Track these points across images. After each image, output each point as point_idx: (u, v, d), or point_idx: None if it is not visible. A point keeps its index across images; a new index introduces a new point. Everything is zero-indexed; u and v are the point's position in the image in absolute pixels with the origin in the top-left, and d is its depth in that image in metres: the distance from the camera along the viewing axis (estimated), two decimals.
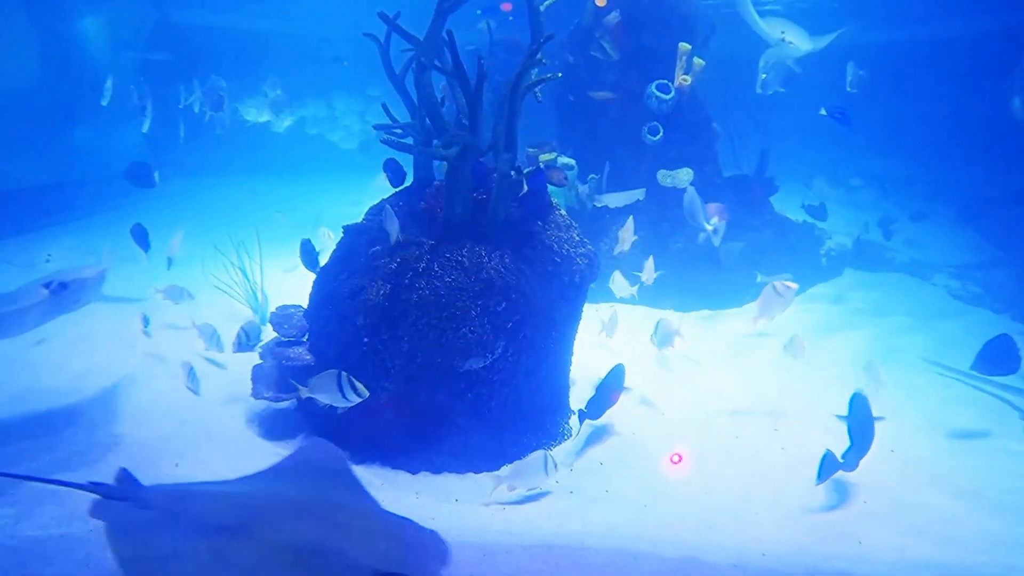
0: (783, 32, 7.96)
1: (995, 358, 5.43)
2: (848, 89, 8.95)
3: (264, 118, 14.74)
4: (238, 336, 5.97)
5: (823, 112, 7.19)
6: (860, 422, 4.67)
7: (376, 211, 5.46)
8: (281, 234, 9.39)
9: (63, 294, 5.01)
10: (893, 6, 15.82)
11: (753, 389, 6.32)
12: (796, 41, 8.00)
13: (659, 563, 3.91)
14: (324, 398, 4.34)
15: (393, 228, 4.95)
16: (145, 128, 10.83)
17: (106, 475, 3.32)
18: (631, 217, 7.76)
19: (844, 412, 4.96)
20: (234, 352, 5.98)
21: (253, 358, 5.49)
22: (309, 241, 6.64)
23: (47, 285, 4.98)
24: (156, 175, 8.62)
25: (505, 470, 4.65)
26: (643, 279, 7.65)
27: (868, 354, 6.90)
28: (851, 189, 14.98)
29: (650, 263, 7.66)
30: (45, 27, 14.49)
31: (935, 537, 4.35)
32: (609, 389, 5.19)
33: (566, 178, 8.11)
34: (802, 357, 6.24)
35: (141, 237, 7.32)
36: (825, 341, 7.72)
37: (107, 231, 10.53)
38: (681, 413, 5.83)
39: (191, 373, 5.65)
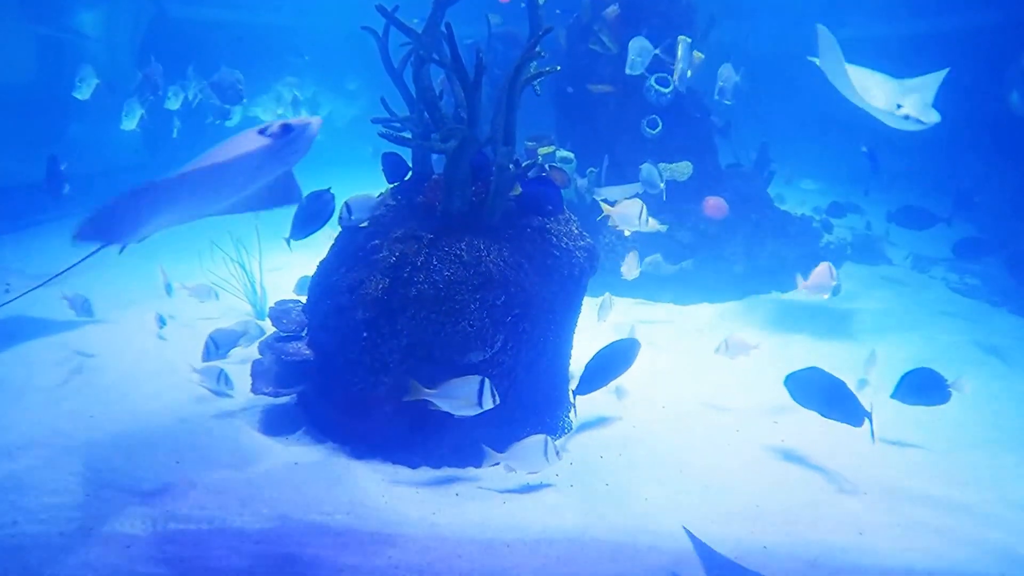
0: (900, 105, 5.79)
1: (912, 391, 5.35)
2: (716, 97, 7.84)
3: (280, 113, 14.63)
4: (206, 345, 5.61)
5: (864, 150, 7.75)
6: (813, 391, 4.81)
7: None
8: (271, 232, 9.18)
9: (288, 138, 3.77)
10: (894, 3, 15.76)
11: (752, 384, 6.30)
12: (922, 116, 5.69)
13: (660, 556, 3.92)
14: (449, 405, 4.21)
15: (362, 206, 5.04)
16: (130, 126, 10.33)
17: None
18: (628, 194, 7.67)
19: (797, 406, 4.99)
20: (202, 361, 5.65)
21: (255, 354, 5.47)
22: (326, 191, 5.19)
23: (263, 131, 3.79)
24: (66, 188, 8.68)
25: None
26: (624, 275, 7.53)
27: (867, 347, 6.89)
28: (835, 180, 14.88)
29: (632, 257, 7.56)
30: (40, 22, 14.39)
31: (936, 528, 4.36)
32: (604, 365, 5.06)
33: (569, 179, 8.07)
34: (741, 356, 6.06)
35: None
36: (824, 336, 7.72)
37: None
38: (680, 406, 5.83)
39: (221, 375, 5.42)
